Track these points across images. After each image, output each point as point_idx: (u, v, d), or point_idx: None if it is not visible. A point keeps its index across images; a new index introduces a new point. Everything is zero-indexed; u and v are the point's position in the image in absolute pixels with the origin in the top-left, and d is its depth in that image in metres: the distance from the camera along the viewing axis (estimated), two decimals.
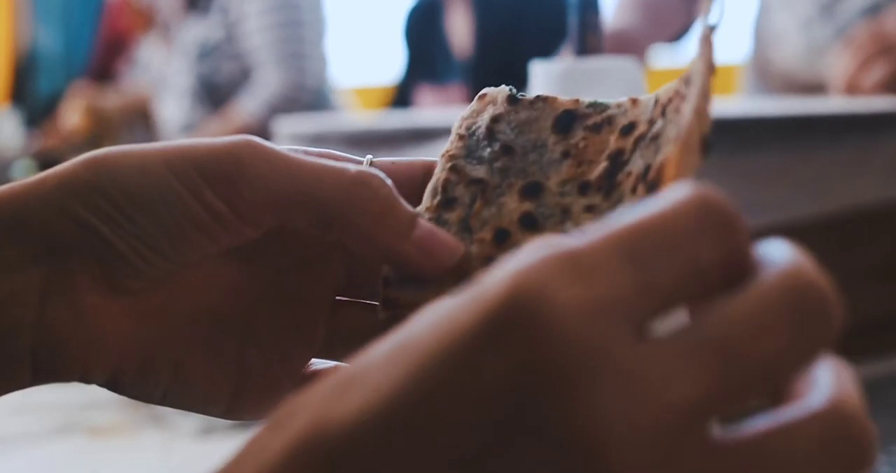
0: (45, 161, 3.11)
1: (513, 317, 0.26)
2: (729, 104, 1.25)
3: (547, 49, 1.73)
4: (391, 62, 2.90)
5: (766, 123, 0.99)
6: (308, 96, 2.62)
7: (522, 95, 0.42)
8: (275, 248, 0.44)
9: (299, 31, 2.61)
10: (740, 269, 0.28)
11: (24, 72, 4.40)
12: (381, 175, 0.41)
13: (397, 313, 0.40)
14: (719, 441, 0.26)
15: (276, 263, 0.45)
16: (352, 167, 0.41)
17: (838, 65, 1.22)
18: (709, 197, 0.28)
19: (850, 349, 1.00)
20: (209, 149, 0.40)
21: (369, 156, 0.44)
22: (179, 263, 0.42)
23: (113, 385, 0.43)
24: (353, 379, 0.27)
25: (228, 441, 0.95)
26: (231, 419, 0.45)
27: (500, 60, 2.42)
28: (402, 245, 0.40)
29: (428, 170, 0.44)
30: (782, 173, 0.98)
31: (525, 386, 0.25)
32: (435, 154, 1.07)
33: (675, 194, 0.28)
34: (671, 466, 0.25)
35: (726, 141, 0.96)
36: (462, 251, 0.40)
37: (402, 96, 2.71)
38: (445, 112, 1.16)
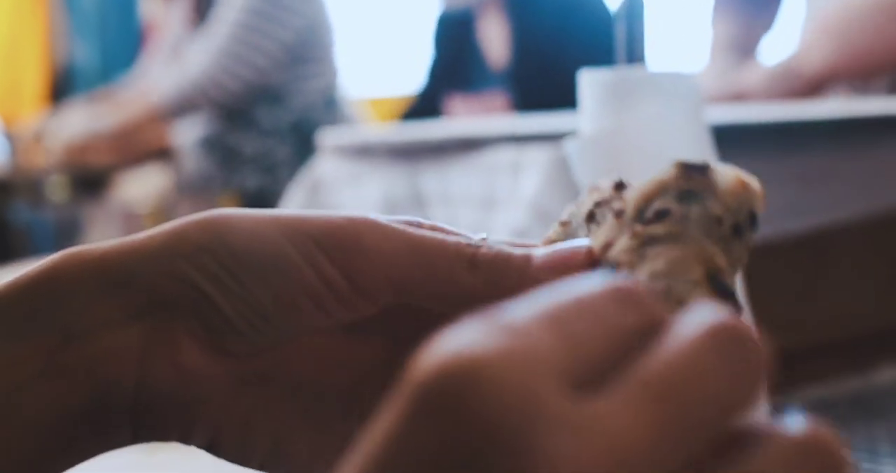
0: (78, 177, 3.12)
1: (439, 392, 0.25)
2: (774, 107, 1.25)
3: (589, 58, 1.73)
4: (406, 72, 2.86)
5: (814, 125, 0.99)
6: (230, 100, 2.60)
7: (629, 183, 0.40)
8: (389, 324, 0.43)
9: (259, 39, 2.55)
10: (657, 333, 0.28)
11: (62, 86, 4.43)
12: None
13: None
14: None
15: (388, 338, 0.43)
16: (463, 241, 0.40)
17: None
18: (623, 282, 0.29)
19: None
20: (326, 221, 0.40)
21: (483, 234, 0.42)
22: (288, 332, 0.41)
23: (212, 448, 0.42)
24: None
25: None
26: None
27: (541, 68, 2.39)
28: None
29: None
30: (830, 174, 0.98)
31: (466, 463, 0.25)
32: (483, 164, 1.07)
33: (591, 278, 0.29)
34: None
35: (774, 143, 0.96)
36: None
37: (424, 105, 2.69)
38: (492, 121, 1.16)
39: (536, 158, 0.92)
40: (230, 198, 2.60)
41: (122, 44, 4.27)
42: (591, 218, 0.40)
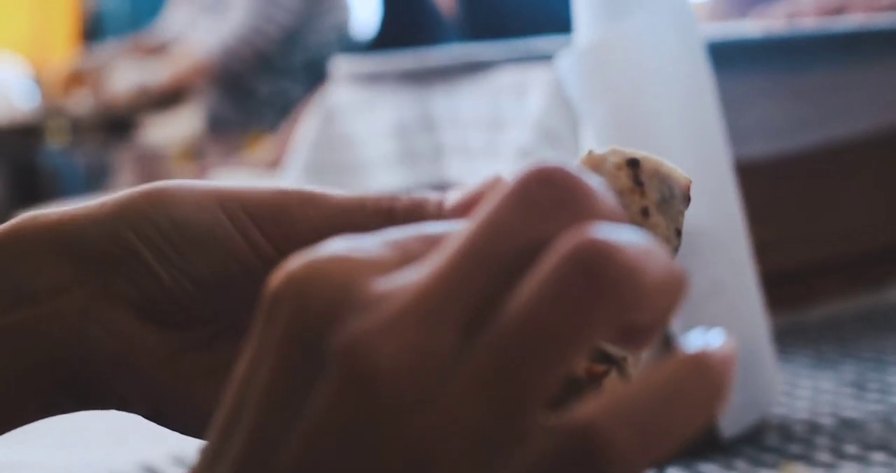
0: (108, 121, 3.13)
1: (280, 294, 0.29)
2: (776, 23, 1.25)
3: None
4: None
5: (817, 40, 0.99)
6: (271, 47, 2.62)
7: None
8: None
9: None
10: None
11: (91, 34, 4.44)
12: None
13: None
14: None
15: None
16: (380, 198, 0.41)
17: None
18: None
19: None
20: (259, 194, 0.42)
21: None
22: (223, 305, 0.42)
23: (155, 417, 0.42)
24: None
25: None
26: None
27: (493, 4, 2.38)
28: None
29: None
30: (835, 89, 0.98)
31: (304, 348, 0.28)
32: (489, 86, 1.07)
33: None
34: (432, 360, 0.27)
35: (777, 59, 0.96)
36: None
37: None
38: (501, 45, 1.17)
39: (541, 78, 0.93)
40: (254, 139, 2.62)
41: None
42: None
